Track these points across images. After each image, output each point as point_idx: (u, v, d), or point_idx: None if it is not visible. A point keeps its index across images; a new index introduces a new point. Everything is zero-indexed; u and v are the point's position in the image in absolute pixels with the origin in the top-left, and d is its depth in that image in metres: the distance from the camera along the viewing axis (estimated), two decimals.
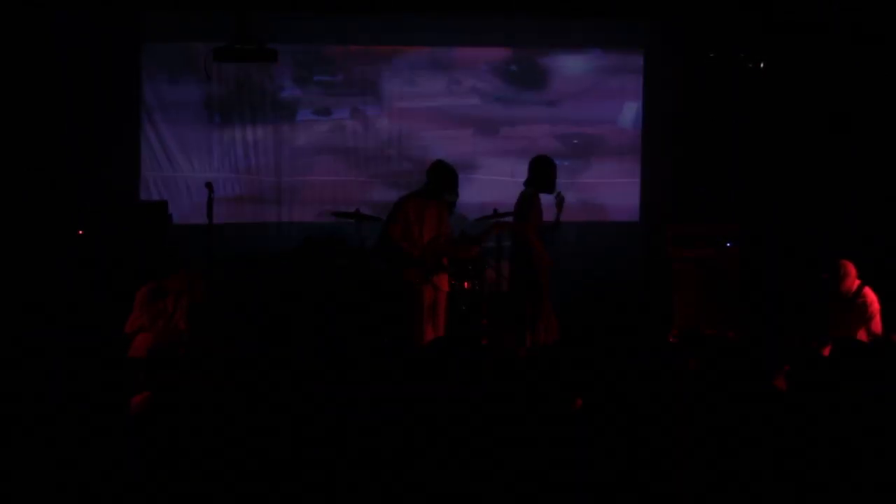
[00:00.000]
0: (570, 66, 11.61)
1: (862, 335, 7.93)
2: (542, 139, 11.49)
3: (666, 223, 10.09)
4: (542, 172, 8.53)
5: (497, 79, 11.55)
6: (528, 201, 8.49)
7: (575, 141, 11.61)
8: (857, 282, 7.94)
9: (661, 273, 9.96)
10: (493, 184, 11.42)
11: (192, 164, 11.10)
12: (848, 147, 10.29)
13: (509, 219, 8.80)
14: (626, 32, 11.53)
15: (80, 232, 9.54)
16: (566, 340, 8.53)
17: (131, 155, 10.88)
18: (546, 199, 8.51)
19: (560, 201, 8.36)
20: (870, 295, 7.90)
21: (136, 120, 10.90)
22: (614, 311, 9.98)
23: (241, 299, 9.51)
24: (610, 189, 11.67)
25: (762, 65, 10.76)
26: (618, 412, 5.22)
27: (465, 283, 9.14)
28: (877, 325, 7.87)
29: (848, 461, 4.93)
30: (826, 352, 6.72)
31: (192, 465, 4.92)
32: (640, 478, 4.88)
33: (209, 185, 8.81)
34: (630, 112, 11.63)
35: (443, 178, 8.31)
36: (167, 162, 11.05)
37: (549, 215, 8.51)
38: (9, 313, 8.59)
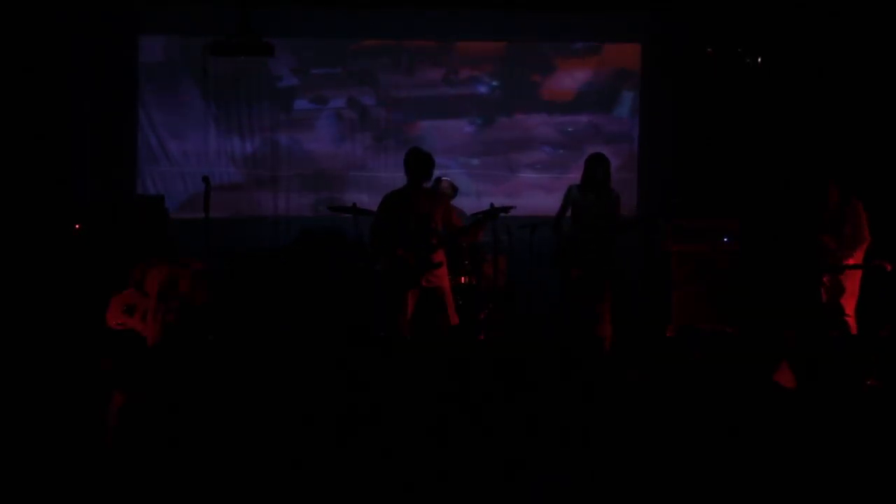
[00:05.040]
0: (569, 59, 11.58)
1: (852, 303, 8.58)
2: (539, 131, 11.46)
3: (664, 217, 10.06)
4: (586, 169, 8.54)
5: (494, 71, 11.52)
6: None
7: (570, 129, 11.57)
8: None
9: (660, 268, 9.94)
10: (489, 176, 11.39)
11: (189, 158, 11.08)
12: (847, 143, 10.28)
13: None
14: (625, 25, 11.50)
15: (77, 226, 9.51)
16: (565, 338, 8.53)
17: (128, 149, 10.87)
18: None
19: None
20: (856, 200, 8.65)
21: (132, 114, 10.89)
22: (613, 307, 9.95)
23: (238, 293, 9.48)
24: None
25: (759, 59, 10.74)
26: (618, 408, 5.20)
27: (461, 278, 9.07)
28: (863, 232, 8.61)
29: (845, 454, 4.92)
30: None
31: (186, 459, 4.90)
32: (641, 473, 4.86)
33: (206, 179, 8.77)
34: (627, 102, 11.60)
35: (416, 165, 8.00)
36: (164, 156, 11.05)
37: None
38: (5, 309, 8.56)
